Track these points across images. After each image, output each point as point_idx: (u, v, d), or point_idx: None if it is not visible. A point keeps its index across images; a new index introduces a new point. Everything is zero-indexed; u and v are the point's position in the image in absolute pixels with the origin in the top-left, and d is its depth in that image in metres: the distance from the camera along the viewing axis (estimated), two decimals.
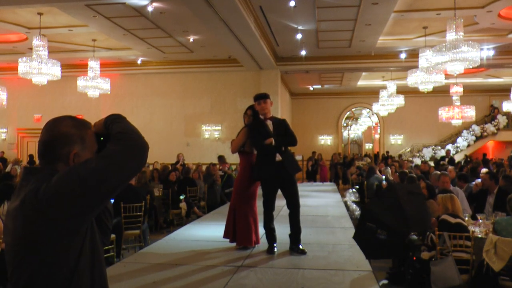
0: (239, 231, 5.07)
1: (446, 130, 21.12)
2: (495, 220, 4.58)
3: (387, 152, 20.66)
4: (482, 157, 17.28)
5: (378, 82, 19.76)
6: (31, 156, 16.37)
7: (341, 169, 17.80)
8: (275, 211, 5.16)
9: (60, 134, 1.49)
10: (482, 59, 11.30)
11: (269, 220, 5.01)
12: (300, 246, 4.92)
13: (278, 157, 4.91)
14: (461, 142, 20.83)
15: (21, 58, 10.80)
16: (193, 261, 4.63)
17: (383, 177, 10.95)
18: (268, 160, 4.93)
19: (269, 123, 5.02)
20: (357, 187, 11.77)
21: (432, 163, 15.12)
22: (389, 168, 12.15)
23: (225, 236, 5.25)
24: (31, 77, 10.81)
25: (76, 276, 1.41)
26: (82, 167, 1.37)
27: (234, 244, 5.16)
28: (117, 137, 1.44)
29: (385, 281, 5.14)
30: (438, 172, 7.52)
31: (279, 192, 5.04)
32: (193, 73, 16.82)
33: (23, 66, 10.55)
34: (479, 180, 7.13)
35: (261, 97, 5.05)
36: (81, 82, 13.02)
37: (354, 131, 28.66)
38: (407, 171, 9.48)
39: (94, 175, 1.35)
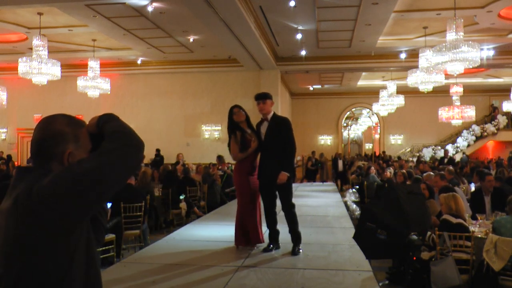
0: (252, 232, 5.04)
1: (446, 130, 21.11)
2: (494, 220, 4.58)
3: (383, 152, 20.85)
4: (482, 157, 17.25)
5: (378, 82, 19.75)
6: (9, 157, 16.31)
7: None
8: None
9: (55, 132, 1.45)
10: (482, 59, 11.30)
11: (270, 222, 5.01)
12: (298, 249, 4.86)
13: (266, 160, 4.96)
14: (461, 142, 20.82)
15: (21, 58, 10.79)
16: (193, 261, 4.63)
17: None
18: (260, 163, 5.03)
19: (265, 124, 5.04)
20: (357, 187, 11.77)
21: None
22: (390, 168, 12.13)
23: (238, 243, 5.15)
24: (31, 77, 10.80)
25: (69, 276, 1.38)
26: (77, 167, 1.33)
27: (234, 244, 5.15)
28: (112, 136, 1.39)
29: (385, 281, 5.13)
30: (435, 172, 7.53)
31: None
32: (193, 73, 16.82)
33: (23, 66, 10.54)
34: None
35: (259, 98, 5.07)
36: (81, 82, 13.02)
37: (354, 131, 28.65)
38: (412, 171, 9.49)
39: (89, 175, 1.31)
